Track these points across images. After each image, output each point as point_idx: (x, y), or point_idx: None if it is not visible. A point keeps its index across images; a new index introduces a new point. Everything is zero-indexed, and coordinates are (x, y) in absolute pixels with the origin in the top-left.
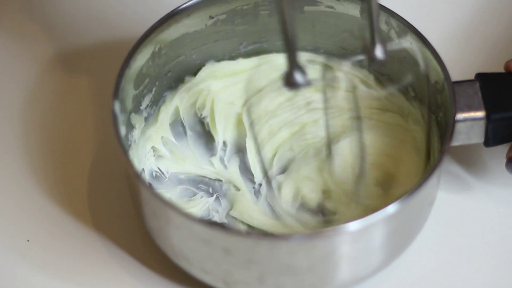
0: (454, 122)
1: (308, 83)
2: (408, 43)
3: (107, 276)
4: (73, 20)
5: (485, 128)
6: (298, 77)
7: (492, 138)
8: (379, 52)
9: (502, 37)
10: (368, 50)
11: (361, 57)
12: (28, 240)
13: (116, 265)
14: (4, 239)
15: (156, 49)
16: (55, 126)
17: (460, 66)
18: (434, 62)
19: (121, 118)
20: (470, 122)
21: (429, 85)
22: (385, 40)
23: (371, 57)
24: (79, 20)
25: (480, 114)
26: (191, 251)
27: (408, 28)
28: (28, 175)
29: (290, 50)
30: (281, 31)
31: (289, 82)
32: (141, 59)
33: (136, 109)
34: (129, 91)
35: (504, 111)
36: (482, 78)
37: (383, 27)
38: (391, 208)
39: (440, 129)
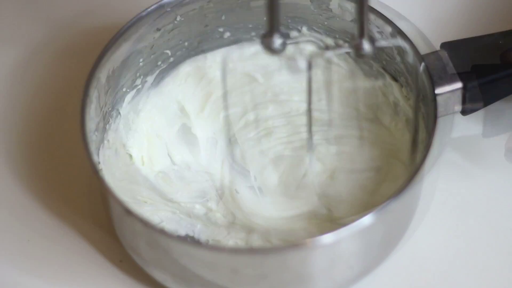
0: (436, 114)
1: (284, 48)
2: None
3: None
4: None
5: (462, 98)
6: (277, 41)
7: (470, 106)
8: (366, 46)
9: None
10: (356, 43)
11: (347, 49)
12: (28, 240)
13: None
14: (4, 239)
15: (110, 72)
16: (54, 128)
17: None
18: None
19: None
20: (447, 94)
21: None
22: (373, 35)
23: (358, 50)
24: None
25: (456, 85)
26: (194, 277)
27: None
28: (27, 176)
29: (272, 11)
30: None
31: (267, 46)
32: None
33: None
34: (96, 111)
35: (480, 78)
36: (449, 46)
37: (336, 11)
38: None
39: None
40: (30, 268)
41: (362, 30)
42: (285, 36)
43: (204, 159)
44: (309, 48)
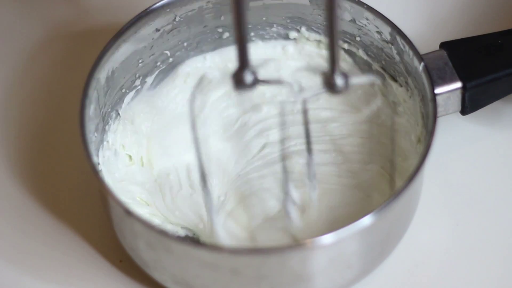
0: (436, 114)
1: (256, 83)
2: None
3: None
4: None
5: (462, 98)
6: (248, 76)
7: (470, 105)
8: (339, 82)
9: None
10: (328, 81)
11: (322, 90)
12: (28, 240)
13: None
14: (4, 239)
15: (109, 73)
16: (54, 128)
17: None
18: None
19: (93, 146)
20: (446, 94)
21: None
22: (346, 72)
23: (331, 87)
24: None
25: (456, 84)
26: (194, 277)
27: (362, 7)
28: (27, 177)
29: (242, 47)
30: (234, 26)
31: (238, 81)
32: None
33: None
34: (96, 112)
35: (480, 77)
36: (448, 46)
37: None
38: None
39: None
40: (30, 268)
41: (334, 66)
42: (255, 74)
43: (202, 159)
44: (308, 48)
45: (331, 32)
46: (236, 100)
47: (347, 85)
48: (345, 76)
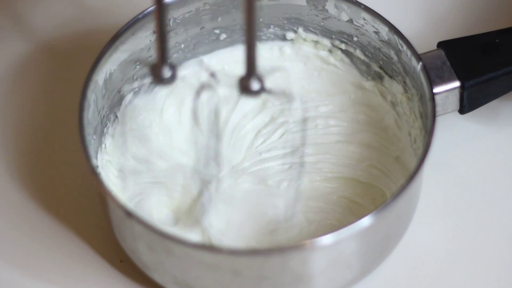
0: (435, 113)
1: (174, 79)
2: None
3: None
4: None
5: (460, 97)
6: (166, 72)
7: (468, 104)
8: (255, 85)
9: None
10: (244, 82)
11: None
12: (28, 242)
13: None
14: (4, 241)
15: (107, 75)
16: (53, 131)
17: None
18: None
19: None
20: (445, 93)
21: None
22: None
23: (246, 90)
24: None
25: (454, 83)
26: (195, 279)
27: (359, 7)
28: (27, 179)
29: (162, 42)
30: (155, 25)
31: (157, 76)
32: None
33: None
34: (94, 114)
35: (478, 76)
36: (446, 46)
37: (332, 11)
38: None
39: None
40: (30, 269)
41: (250, 68)
42: (174, 68)
43: (201, 162)
44: (305, 48)
45: (249, 32)
46: None
47: (262, 89)
48: (261, 80)
